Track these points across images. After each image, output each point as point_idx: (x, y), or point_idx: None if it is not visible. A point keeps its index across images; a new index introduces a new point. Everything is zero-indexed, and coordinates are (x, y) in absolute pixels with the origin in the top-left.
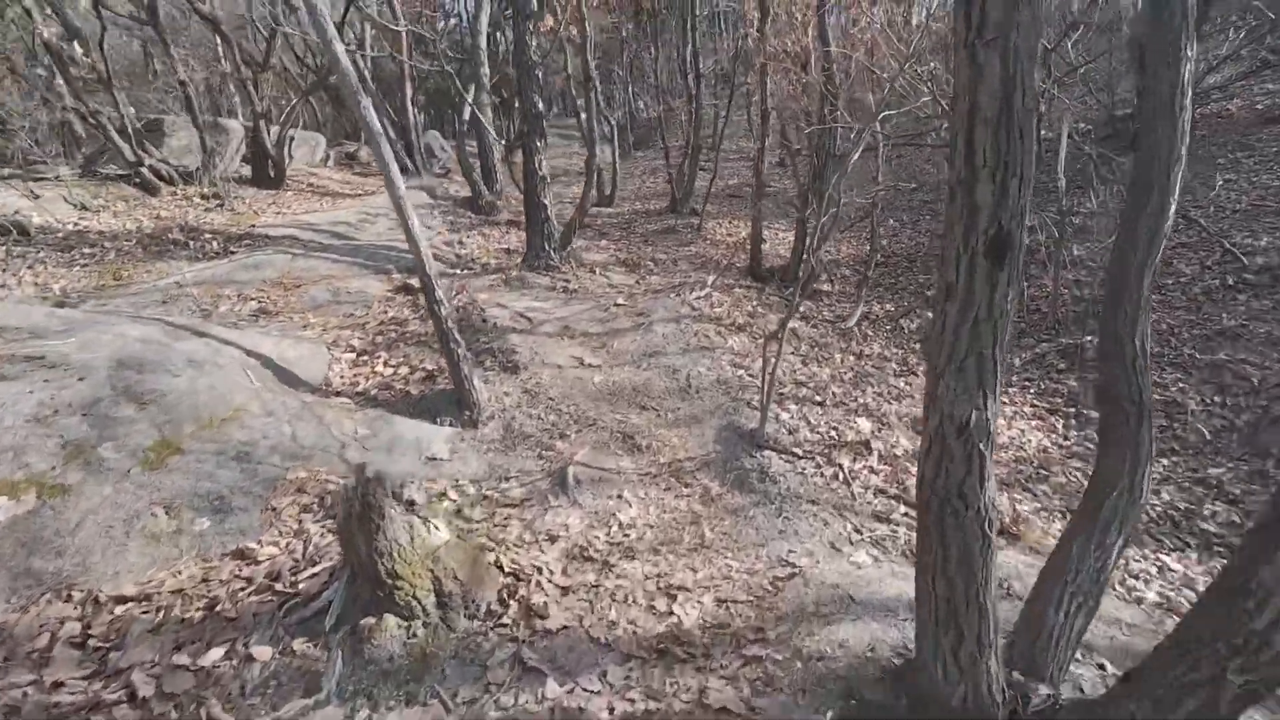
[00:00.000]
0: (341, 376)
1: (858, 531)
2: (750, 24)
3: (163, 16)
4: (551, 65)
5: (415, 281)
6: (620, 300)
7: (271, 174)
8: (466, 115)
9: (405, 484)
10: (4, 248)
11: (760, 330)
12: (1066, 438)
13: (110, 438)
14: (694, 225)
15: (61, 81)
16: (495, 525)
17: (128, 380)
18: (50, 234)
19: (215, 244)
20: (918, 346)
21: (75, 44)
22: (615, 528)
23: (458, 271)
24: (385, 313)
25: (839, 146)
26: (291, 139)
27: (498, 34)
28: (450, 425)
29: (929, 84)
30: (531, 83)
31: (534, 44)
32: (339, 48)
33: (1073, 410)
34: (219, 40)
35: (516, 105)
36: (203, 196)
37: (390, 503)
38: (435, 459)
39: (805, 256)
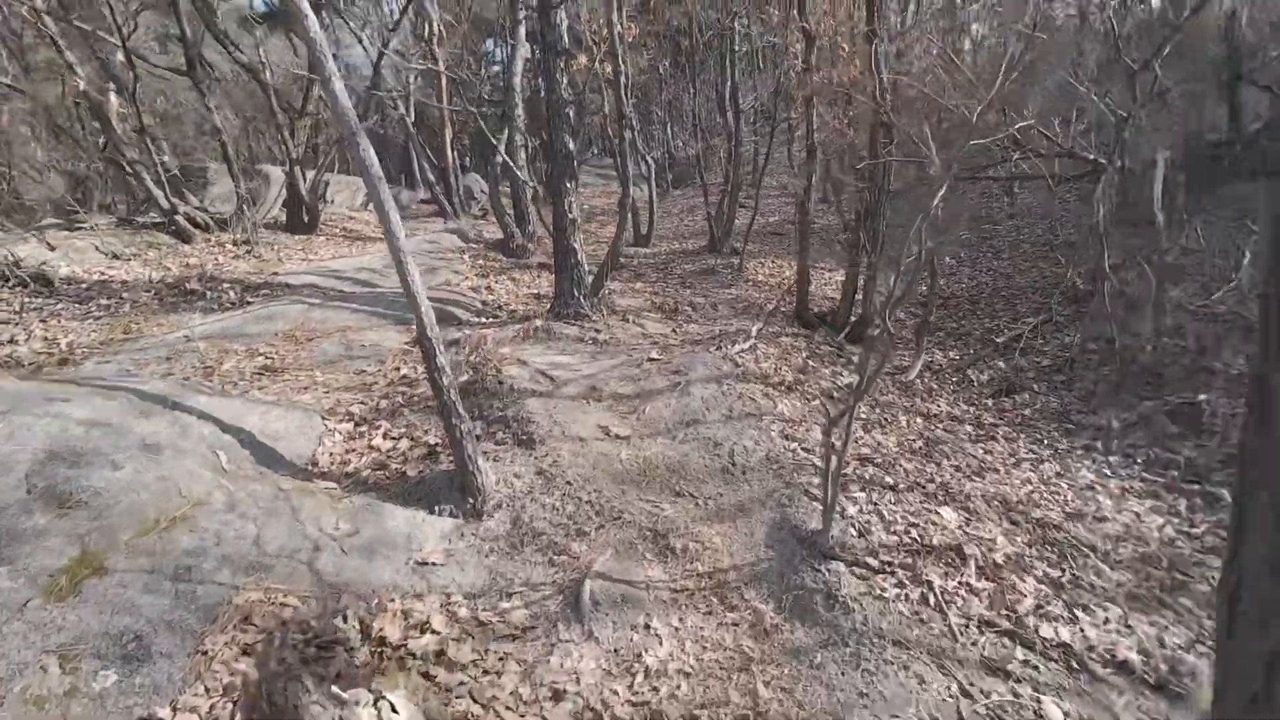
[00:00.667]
0: (332, 454)
1: (966, 694)
2: (793, 56)
3: (204, 62)
4: (590, 105)
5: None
6: (654, 354)
7: (305, 219)
8: (499, 158)
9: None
10: (20, 299)
11: (813, 389)
12: (1193, 522)
13: (8, 559)
14: (734, 265)
15: (103, 131)
16: (486, 674)
17: (54, 477)
18: (75, 284)
19: (233, 294)
20: (990, 403)
21: (112, 94)
22: (640, 676)
23: (482, 320)
24: (397, 370)
25: (893, 182)
26: (327, 184)
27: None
28: (450, 515)
29: (1001, 112)
30: (561, 122)
31: (564, 81)
32: (337, 85)
33: (1196, 487)
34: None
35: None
36: (235, 244)
37: (316, 701)
38: (425, 564)
39: (873, 310)
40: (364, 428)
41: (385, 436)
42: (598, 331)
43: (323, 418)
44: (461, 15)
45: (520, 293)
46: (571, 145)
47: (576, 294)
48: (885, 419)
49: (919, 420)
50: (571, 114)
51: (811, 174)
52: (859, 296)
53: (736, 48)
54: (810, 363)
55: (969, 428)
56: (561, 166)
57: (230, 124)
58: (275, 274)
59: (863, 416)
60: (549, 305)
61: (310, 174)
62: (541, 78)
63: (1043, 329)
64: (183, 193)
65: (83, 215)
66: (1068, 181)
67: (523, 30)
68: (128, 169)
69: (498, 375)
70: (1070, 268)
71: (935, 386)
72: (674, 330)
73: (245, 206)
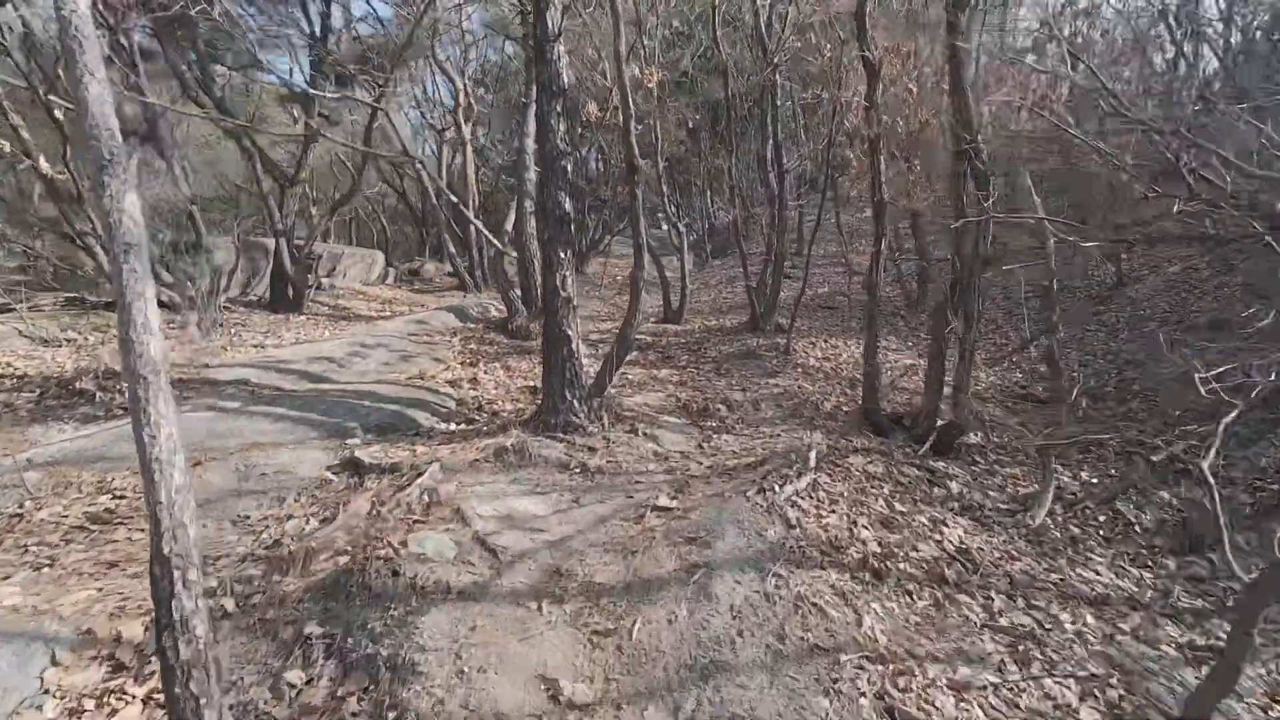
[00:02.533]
0: None
1: None
2: (844, 104)
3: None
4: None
5: (371, 456)
6: (664, 499)
7: (290, 296)
8: (509, 224)
9: None
10: None
11: (915, 564)
12: None
13: None
14: (780, 347)
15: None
16: None
17: None
18: None
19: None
20: (1172, 564)
21: (41, 158)
22: None
23: (449, 427)
24: (287, 521)
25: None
26: (319, 256)
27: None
28: None
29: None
30: (556, 177)
31: (561, 129)
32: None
33: None
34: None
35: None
36: (201, 325)
37: None
38: None
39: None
40: (127, 681)
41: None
42: (591, 451)
43: (61, 658)
44: (491, 86)
45: (513, 385)
46: (568, 205)
47: (569, 397)
48: (1027, 604)
49: (1089, 616)
50: (569, 168)
51: (881, 237)
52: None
53: (779, 102)
54: (897, 504)
55: (1170, 640)
56: (554, 231)
57: (206, 189)
58: (207, 366)
59: (985, 600)
60: (534, 410)
61: (322, 245)
62: (534, 124)
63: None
64: (170, 265)
65: (22, 293)
66: (1199, 241)
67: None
68: (77, 240)
69: (394, 557)
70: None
71: (1078, 533)
72: (700, 446)
73: (217, 282)
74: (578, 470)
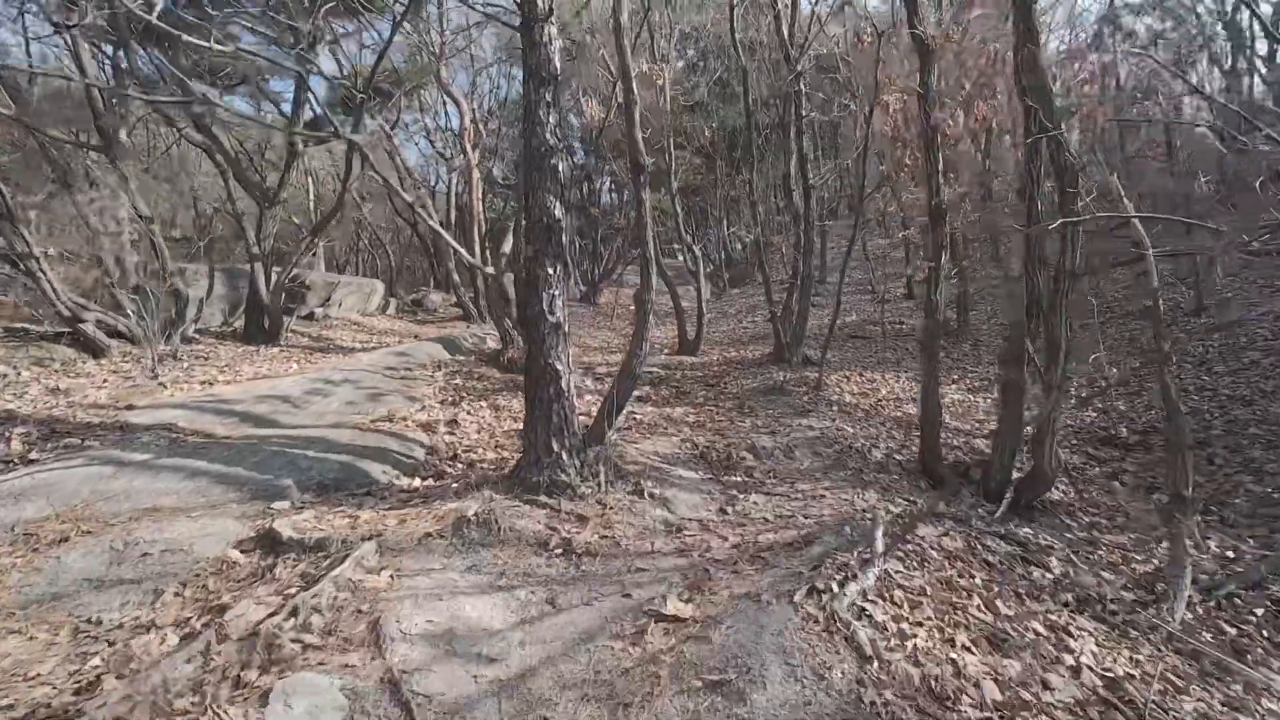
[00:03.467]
0: None
1: None
2: (887, 102)
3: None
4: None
5: (295, 528)
6: (674, 604)
7: (265, 327)
8: (506, 247)
9: None
10: None
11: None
12: None
13: None
14: (810, 381)
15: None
16: None
17: None
18: None
19: (20, 443)
20: None
21: None
22: None
23: (413, 483)
24: (149, 632)
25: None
26: (336, 284)
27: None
28: None
29: None
30: (544, 176)
31: (551, 120)
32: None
33: None
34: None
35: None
36: (173, 357)
37: None
38: None
39: (1054, 462)
40: None
41: None
42: (581, 521)
43: None
44: (504, 118)
45: (499, 428)
46: (558, 211)
47: (556, 448)
48: None
49: None
50: (561, 167)
51: (941, 249)
52: (1021, 434)
53: (804, 112)
54: (1000, 604)
55: None
56: (540, 242)
57: (161, 209)
58: (131, 407)
59: None
60: (514, 464)
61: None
62: (522, 117)
63: None
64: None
65: None
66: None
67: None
68: (20, 264)
69: None
70: None
71: (1236, 633)
72: (723, 511)
73: (190, 310)
74: (559, 551)
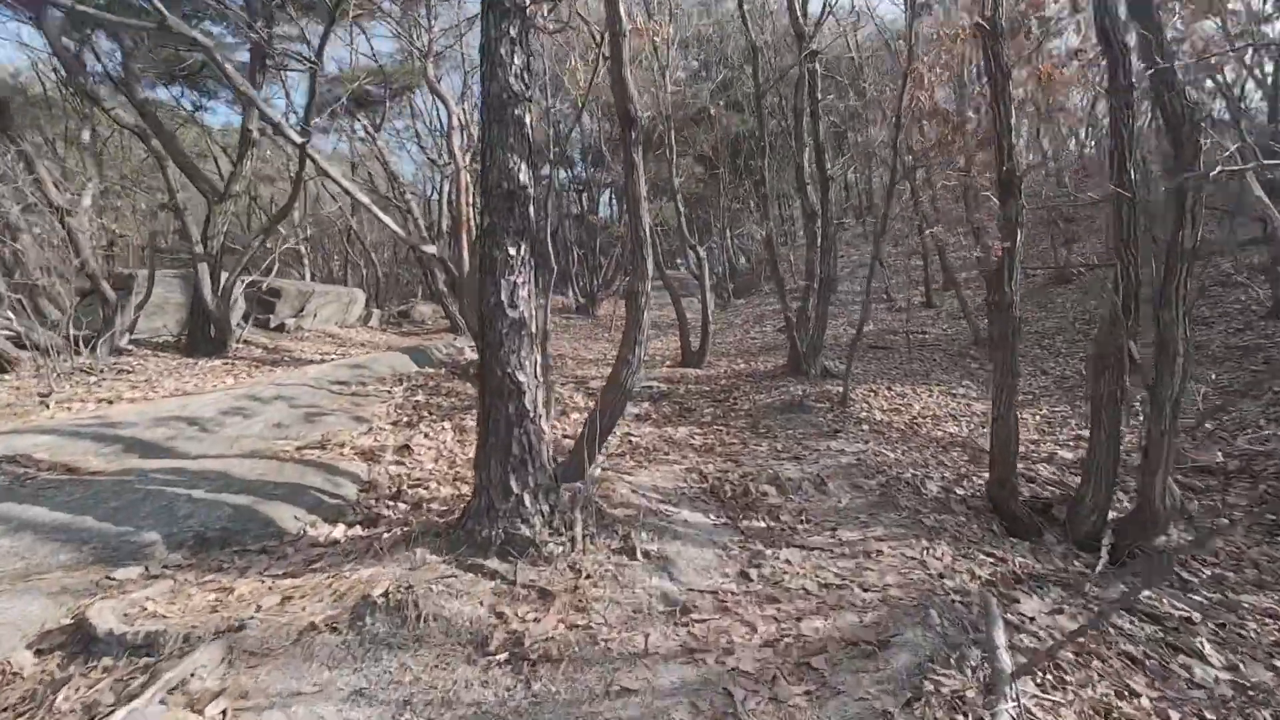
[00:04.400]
0: None
1: None
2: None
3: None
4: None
5: (123, 617)
6: None
7: (211, 336)
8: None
9: None
10: None
11: None
12: None
13: None
14: (832, 396)
15: None
16: None
17: None
18: None
19: None
20: None
21: None
22: None
23: (334, 533)
24: None
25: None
26: (310, 293)
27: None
28: None
29: None
30: (505, 130)
31: (516, 62)
32: None
33: None
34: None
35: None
36: (85, 371)
37: None
38: None
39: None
40: None
41: None
42: (544, 599)
43: None
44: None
45: (462, 455)
46: (524, 175)
47: (516, 488)
48: None
49: None
50: (528, 120)
51: (1017, 227)
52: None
53: (819, 95)
54: None
55: None
56: (500, 214)
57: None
58: None
59: None
60: (464, 507)
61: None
62: (480, 59)
63: None
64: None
65: None
66: None
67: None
68: None
69: None
70: None
71: None
72: (744, 575)
73: (110, 319)
74: (503, 656)
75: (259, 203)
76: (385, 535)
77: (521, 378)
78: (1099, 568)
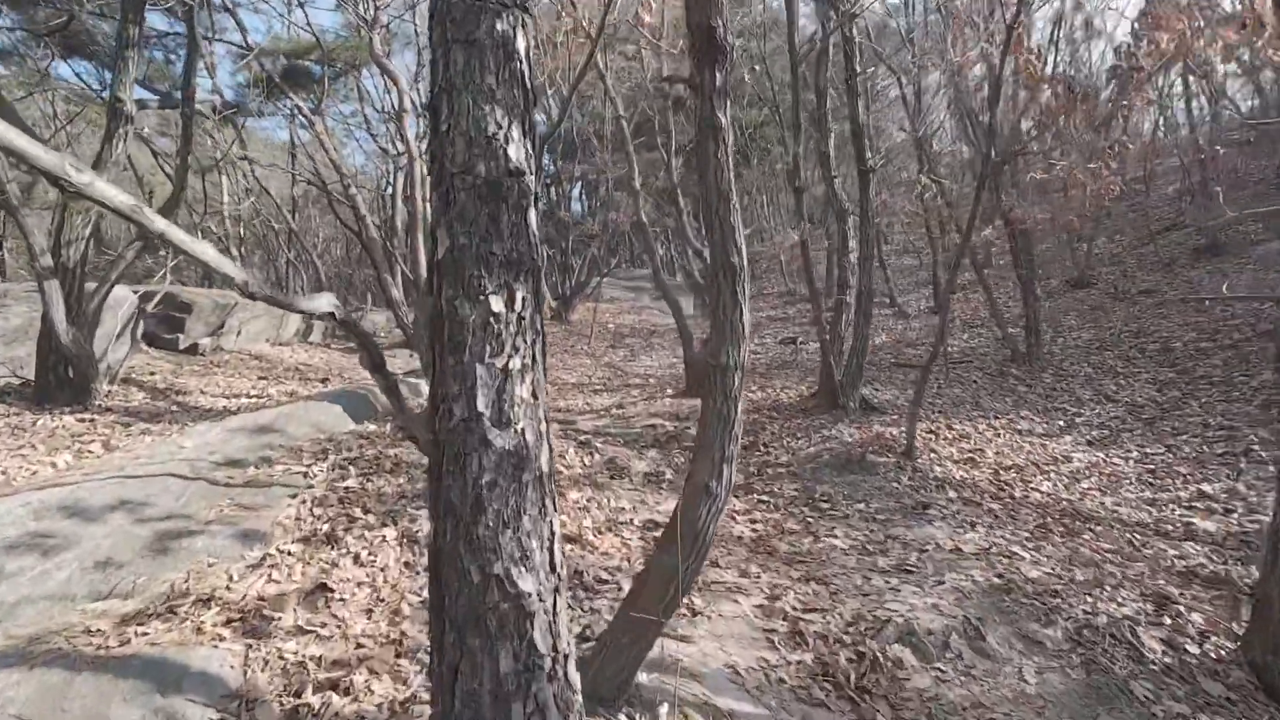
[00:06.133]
0: None
1: None
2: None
3: None
4: (617, 202)
5: None
6: None
7: (69, 378)
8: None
9: None
10: None
11: None
12: None
13: None
14: (889, 443)
15: None
16: None
17: None
18: None
19: None
20: None
21: None
22: None
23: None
24: None
25: None
26: (231, 306)
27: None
28: None
29: None
30: (480, 64)
31: None
32: None
33: None
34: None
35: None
36: None
37: None
38: None
39: None
40: None
41: None
42: None
43: None
44: None
45: (411, 592)
46: (517, 150)
47: None
48: None
49: None
50: (520, 42)
51: None
52: None
53: (858, 68)
54: None
55: None
56: (474, 227)
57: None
58: None
59: None
60: None
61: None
62: None
63: None
64: None
65: None
66: None
67: None
68: None
69: None
70: None
71: None
72: None
73: None
74: None
75: (154, 198)
76: None
77: (525, 584)
78: None
